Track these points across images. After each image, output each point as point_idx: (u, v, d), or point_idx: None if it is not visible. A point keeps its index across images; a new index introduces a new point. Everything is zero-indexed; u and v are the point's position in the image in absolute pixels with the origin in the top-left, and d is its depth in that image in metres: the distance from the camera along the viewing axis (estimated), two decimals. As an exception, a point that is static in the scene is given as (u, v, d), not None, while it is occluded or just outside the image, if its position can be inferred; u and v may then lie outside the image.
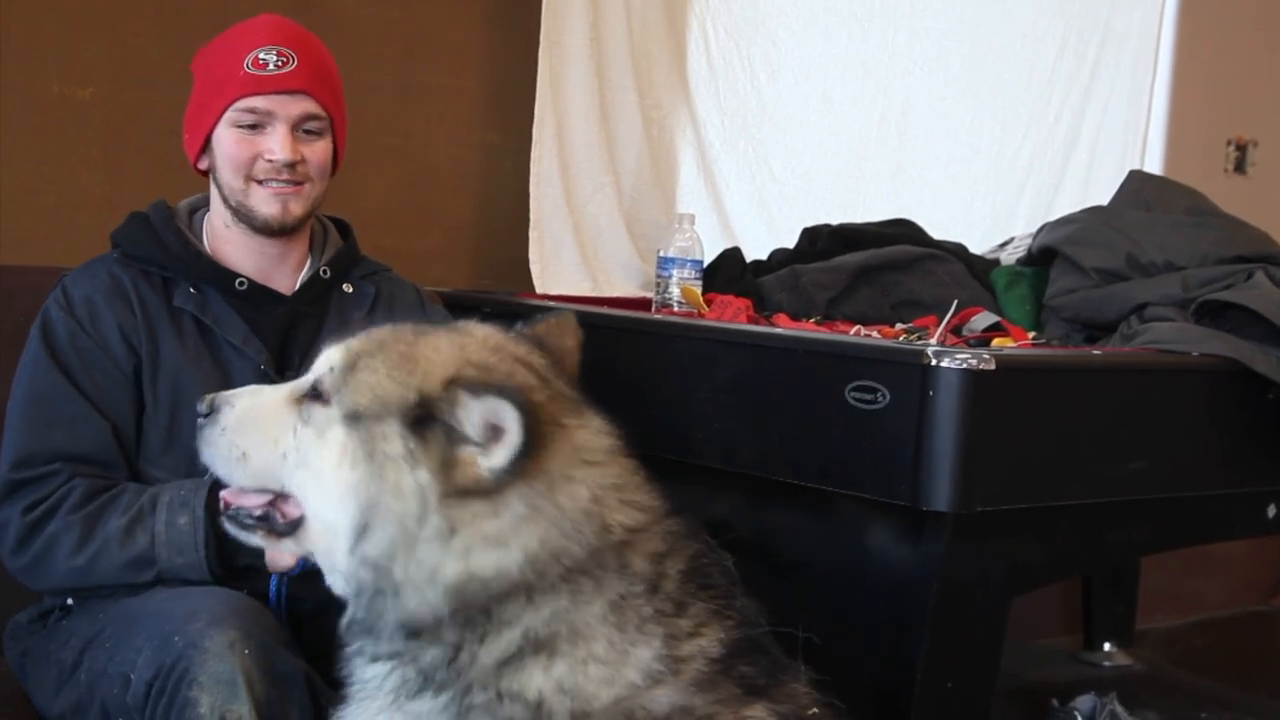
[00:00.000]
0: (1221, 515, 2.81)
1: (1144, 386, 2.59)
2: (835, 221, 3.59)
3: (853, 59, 4.00)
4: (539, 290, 3.35)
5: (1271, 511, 2.84)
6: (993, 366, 2.24)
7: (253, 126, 2.29)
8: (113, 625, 2.07)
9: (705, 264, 3.24)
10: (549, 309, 2.99)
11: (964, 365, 2.22)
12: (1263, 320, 2.74)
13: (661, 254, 3.18)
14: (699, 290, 3.15)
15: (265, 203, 2.31)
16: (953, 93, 4.19)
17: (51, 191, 2.93)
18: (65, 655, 2.14)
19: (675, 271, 3.14)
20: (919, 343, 2.69)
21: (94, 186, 2.96)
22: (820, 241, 3.50)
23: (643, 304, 3.27)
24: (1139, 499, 2.55)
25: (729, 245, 3.57)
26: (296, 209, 2.33)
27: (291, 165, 2.30)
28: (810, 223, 3.60)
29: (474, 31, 3.44)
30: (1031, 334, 3.08)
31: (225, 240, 2.37)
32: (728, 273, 3.40)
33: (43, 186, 2.92)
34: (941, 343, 2.71)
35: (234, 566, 2.11)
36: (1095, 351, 2.83)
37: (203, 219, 2.42)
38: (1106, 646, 4.21)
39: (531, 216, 3.38)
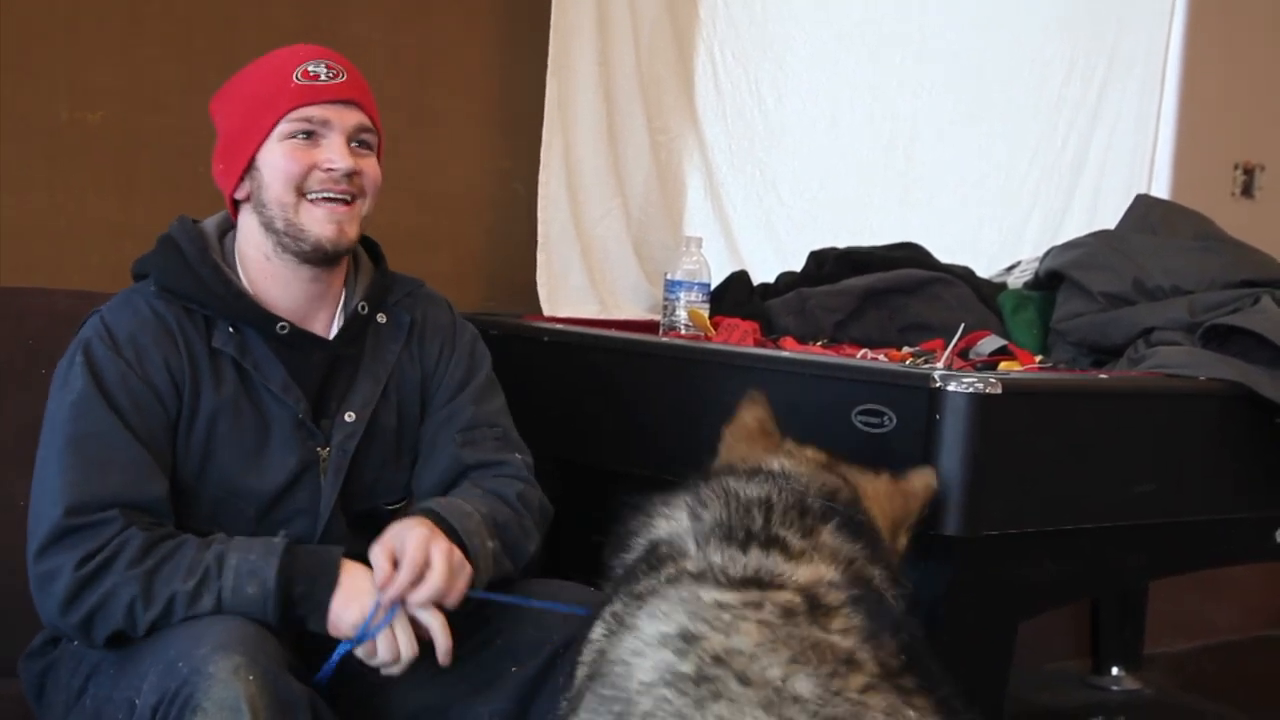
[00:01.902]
0: (1229, 539, 2.80)
1: (1151, 410, 2.59)
2: (843, 245, 3.60)
3: (860, 83, 3.99)
4: (547, 313, 3.35)
5: (1279, 536, 2.84)
6: (999, 390, 2.24)
7: (308, 136, 2.19)
8: (118, 651, 2.05)
9: (712, 287, 3.25)
10: (556, 331, 3.01)
11: (970, 389, 2.23)
12: (1269, 345, 2.74)
13: (669, 277, 3.19)
14: (706, 313, 3.15)
15: (319, 224, 2.19)
16: (960, 117, 4.19)
17: (62, 215, 2.92)
18: (73, 680, 2.12)
19: (682, 294, 3.15)
20: (926, 366, 2.69)
21: (104, 210, 2.96)
22: (827, 265, 3.50)
23: (650, 326, 3.27)
24: (1146, 523, 2.55)
25: (736, 268, 3.57)
26: (351, 230, 2.22)
27: (349, 175, 2.20)
28: (818, 246, 3.61)
29: (483, 55, 3.45)
30: (1038, 358, 3.07)
31: (263, 274, 2.25)
32: (735, 296, 3.40)
33: (53, 210, 2.92)
34: (948, 366, 2.71)
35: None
36: (1102, 375, 2.82)
37: (234, 244, 2.29)
38: (1115, 670, 4.20)
39: (539, 239, 3.39)
